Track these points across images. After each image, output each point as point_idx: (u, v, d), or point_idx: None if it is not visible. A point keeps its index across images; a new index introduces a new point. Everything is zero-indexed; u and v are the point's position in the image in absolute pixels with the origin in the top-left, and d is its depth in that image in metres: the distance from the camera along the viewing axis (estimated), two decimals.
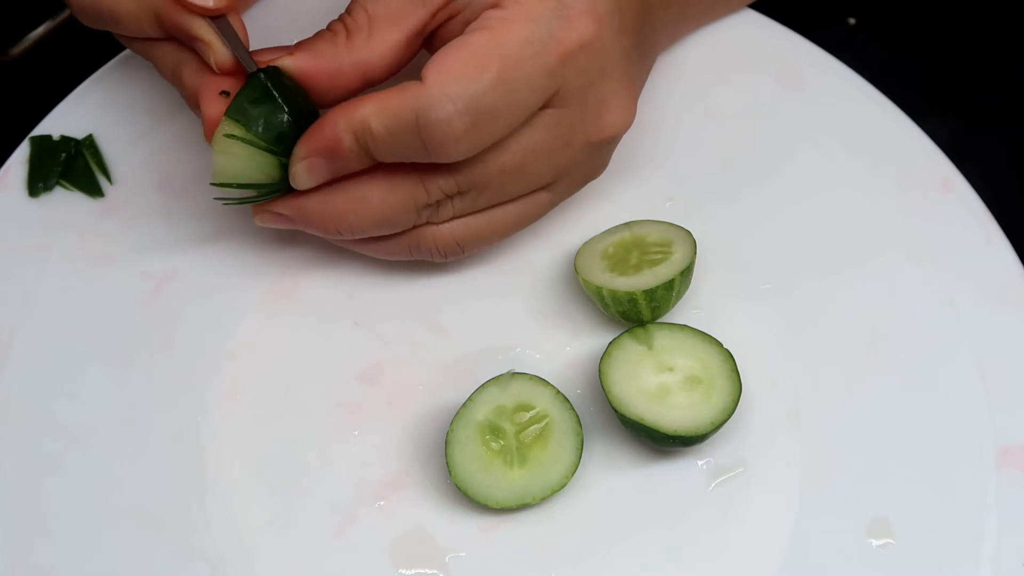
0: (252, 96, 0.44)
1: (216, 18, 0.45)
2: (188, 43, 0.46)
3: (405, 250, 0.50)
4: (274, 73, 0.45)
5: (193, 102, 0.47)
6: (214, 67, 0.46)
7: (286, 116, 0.45)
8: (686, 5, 0.56)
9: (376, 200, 0.47)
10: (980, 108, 0.63)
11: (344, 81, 0.46)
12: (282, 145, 0.45)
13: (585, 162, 0.49)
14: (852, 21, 0.67)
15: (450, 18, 0.46)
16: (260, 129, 0.44)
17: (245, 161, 0.45)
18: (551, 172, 0.48)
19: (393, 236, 0.49)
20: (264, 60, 0.46)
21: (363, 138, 0.44)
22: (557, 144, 0.47)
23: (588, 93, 0.46)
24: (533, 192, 0.49)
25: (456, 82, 0.43)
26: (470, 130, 0.44)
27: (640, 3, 0.49)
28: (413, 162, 0.46)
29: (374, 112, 0.44)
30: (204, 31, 0.45)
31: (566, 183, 0.50)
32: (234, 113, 0.44)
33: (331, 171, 0.46)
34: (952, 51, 0.65)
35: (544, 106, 0.46)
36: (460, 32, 0.45)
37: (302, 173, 0.46)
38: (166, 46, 0.47)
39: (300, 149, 0.45)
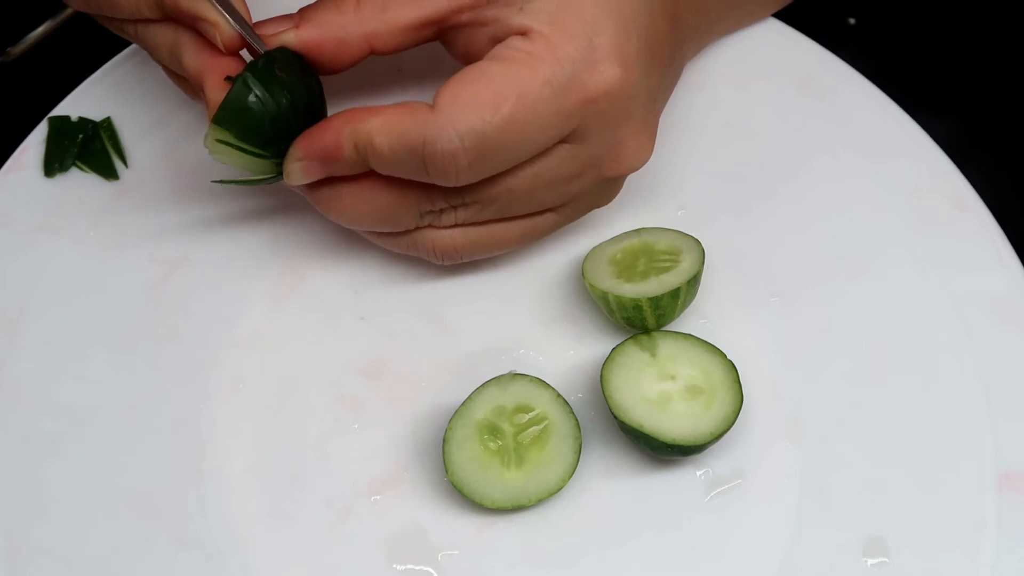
0: (238, 101, 0.41)
1: None
2: (190, 24, 0.43)
3: (403, 247, 0.47)
4: (264, 68, 0.42)
5: (196, 86, 0.44)
6: (221, 46, 0.43)
7: (273, 120, 0.42)
8: (716, 22, 0.53)
9: (382, 199, 0.44)
10: (980, 108, 0.61)
11: (349, 51, 0.43)
12: (271, 147, 0.43)
13: (595, 192, 0.47)
14: (852, 21, 0.64)
15: (474, 25, 0.43)
16: (247, 135, 0.42)
17: (238, 161, 0.43)
18: (559, 198, 0.46)
19: (393, 233, 0.47)
20: (268, 32, 0.43)
21: (364, 151, 0.42)
22: (568, 175, 0.44)
23: (607, 133, 0.44)
24: (538, 213, 0.47)
25: (467, 116, 0.41)
26: (473, 164, 0.42)
27: (671, 38, 0.46)
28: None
29: (380, 129, 0.41)
30: (208, 10, 0.42)
31: (573, 208, 0.47)
32: (220, 120, 0.42)
33: (325, 174, 0.43)
34: (952, 51, 0.62)
35: (559, 141, 0.43)
36: (485, 47, 0.43)
37: (296, 172, 0.43)
38: (162, 28, 0.44)
39: (298, 149, 0.43)
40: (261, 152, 0.43)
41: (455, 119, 0.41)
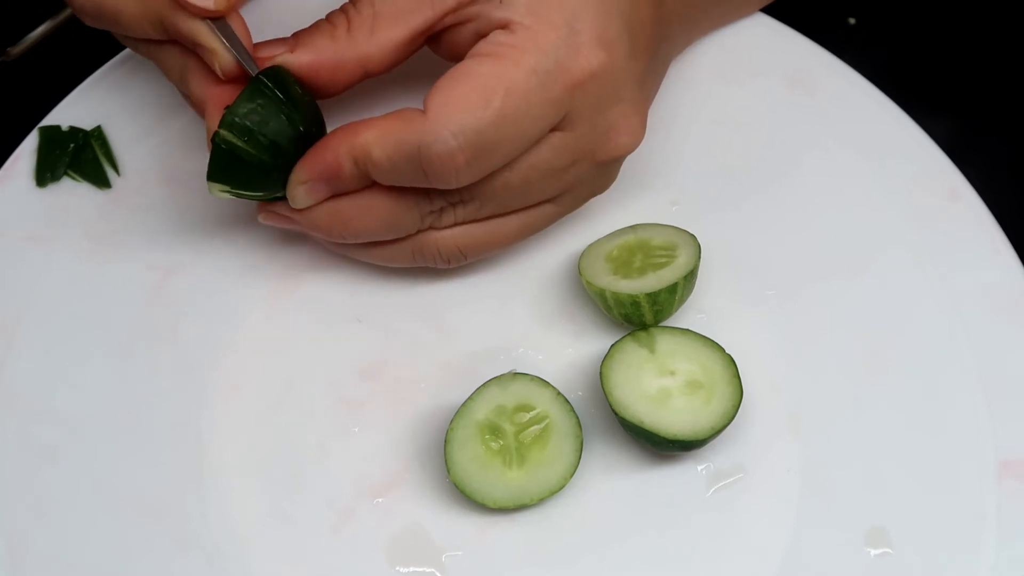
0: (220, 159, 0.42)
1: (217, 20, 0.42)
2: (191, 48, 0.43)
3: (408, 256, 0.47)
4: (238, 114, 0.41)
5: (200, 111, 0.44)
6: (219, 73, 0.43)
7: (260, 165, 0.42)
8: (702, 13, 0.53)
9: (381, 205, 0.44)
10: (980, 108, 0.60)
11: (343, 75, 0.44)
12: (270, 185, 0.43)
13: (591, 179, 0.46)
14: (852, 21, 0.64)
15: (459, 23, 0.43)
16: (241, 184, 0.43)
17: (246, 199, 0.44)
18: (556, 188, 0.46)
19: (396, 241, 0.46)
20: (264, 55, 0.43)
21: (363, 164, 0.42)
22: (563, 164, 0.44)
23: (597, 118, 0.44)
24: (537, 204, 0.46)
25: (459, 116, 0.41)
26: (472, 162, 0.41)
27: (655, 21, 0.46)
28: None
29: (376, 140, 0.41)
30: (207, 37, 0.42)
31: (571, 197, 0.47)
32: (212, 176, 0.42)
33: (330, 192, 0.44)
34: (952, 51, 0.62)
35: (551, 129, 0.43)
36: (469, 42, 0.43)
37: (301, 196, 0.44)
38: (170, 49, 0.44)
39: (300, 173, 0.43)
40: (263, 193, 0.44)
41: (448, 120, 0.41)
